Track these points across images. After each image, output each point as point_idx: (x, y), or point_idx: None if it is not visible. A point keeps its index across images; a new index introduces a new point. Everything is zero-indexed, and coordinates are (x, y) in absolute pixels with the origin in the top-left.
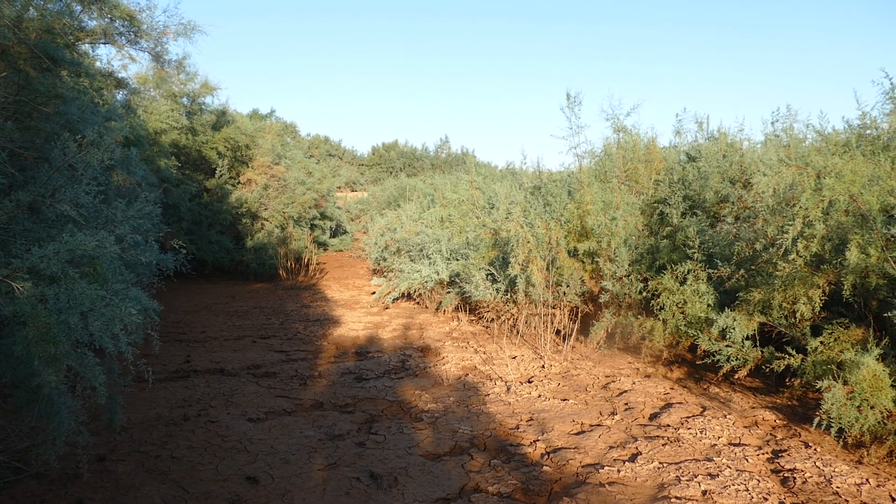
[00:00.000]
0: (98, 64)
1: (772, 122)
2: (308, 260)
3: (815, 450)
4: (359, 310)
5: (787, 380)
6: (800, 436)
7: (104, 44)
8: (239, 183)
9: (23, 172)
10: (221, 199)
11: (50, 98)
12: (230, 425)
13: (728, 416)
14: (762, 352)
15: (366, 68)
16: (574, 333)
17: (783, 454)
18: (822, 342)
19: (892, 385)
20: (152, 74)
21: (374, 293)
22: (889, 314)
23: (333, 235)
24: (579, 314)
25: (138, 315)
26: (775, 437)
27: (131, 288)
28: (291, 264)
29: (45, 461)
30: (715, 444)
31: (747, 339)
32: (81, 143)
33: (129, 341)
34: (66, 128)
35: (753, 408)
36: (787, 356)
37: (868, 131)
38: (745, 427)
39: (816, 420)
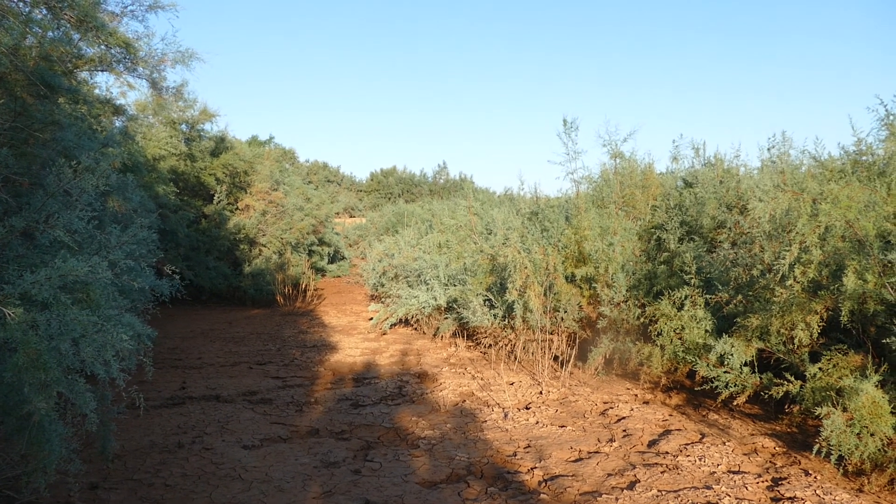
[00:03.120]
0: (97, 91)
1: (768, 149)
2: (306, 286)
3: (815, 477)
4: (356, 336)
5: (786, 406)
6: (800, 463)
7: (102, 71)
8: (237, 209)
9: (17, 198)
10: (219, 224)
11: (46, 124)
12: (225, 452)
13: (727, 443)
14: (761, 378)
15: (364, 95)
16: (572, 359)
17: (783, 482)
18: (820, 368)
19: (891, 412)
20: (151, 101)
21: (371, 319)
22: (887, 340)
23: (331, 261)
24: (577, 340)
25: (131, 341)
26: (775, 464)
27: (125, 314)
28: (289, 290)
29: (35, 489)
30: (714, 472)
31: (745, 365)
32: (77, 168)
33: (122, 367)
34: (62, 154)
35: (753, 435)
36: (785, 382)
37: (864, 157)
38: (745, 454)
39: (816, 447)
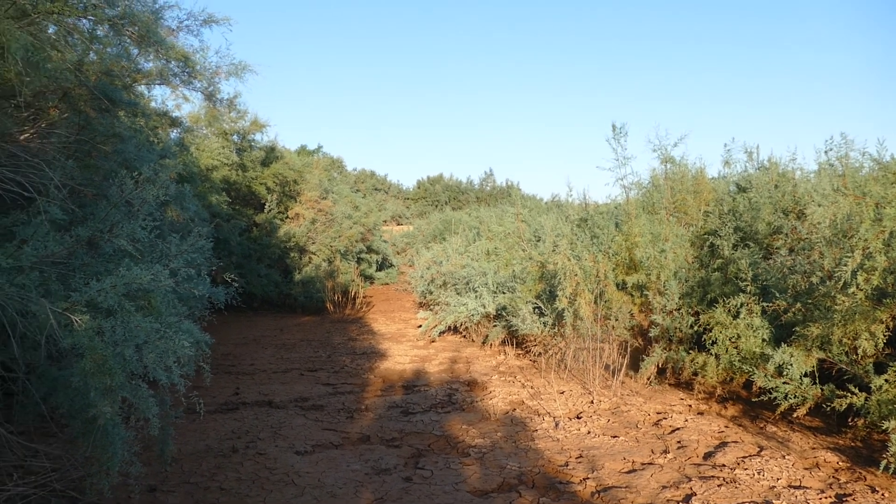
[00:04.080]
0: (153, 104)
1: (825, 151)
2: (355, 293)
3: (882, 495)
4: (405, 343)
5: (849, 419)
6: (865, 479)
7: (159, 84)
8: (287, 217)
9: (82, 209)
10: (270, 233)
11: (108, 137)
12: (278, 458)
13: (787, 457)
14: (822, 389)
15: (411, 103)
16: (623, 368)
17: (847, 498)
18: (886, 380)
19: None
20: (204, 113)
21: (420, 326)
22: None
23: (380, 269)
24: (628, 348)
25: (191, 347)
26: (838, 479)
27: (184, 321)
28: (338, 297)
29: (98, 491)
30: (774, 486)
31: (806, 375)
32: (138, 180)
33: (182, 373)
34: (123, 165)
35: (814, 448)
36: (849, 394)
37: None
38: (806, 469)
39: (883, 463)
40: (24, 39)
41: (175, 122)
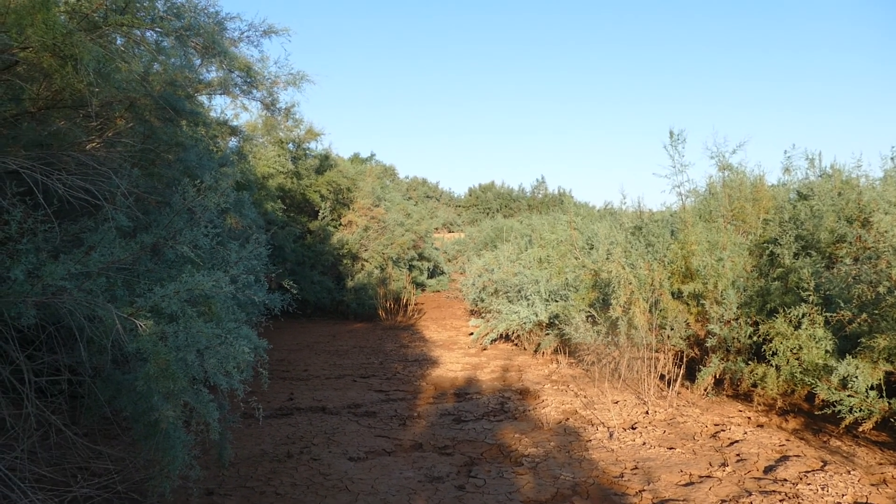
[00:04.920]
0: (213, 113)
1: (892, 158)
2: (406, 300)
3: None
4: (457, 350)
5: None
6: None
7: (220, 94)
8: (340, 224)
9: (147, 216)
10: (324, 240)
11: (171, 146)
12: (332, 464)
13: (852, 472)
14: (889, 403)
15: (463, 110)
16: (679, 379)
17: None
18: None
19: None
20: (262, 122)
21: (471, 334)
22: None
23: (431, 276)
24: (684, 358)
25: (249, 353)
26: None
27: (243, 326)
28: (390, 304)
29: (159, 493)
30: (839, 503)
31: (872, 388)
32: (199, 188)
33: (241, 378)
34: (185, 174)
35: (881, 464)
36: None
37: None
38: (873, 485)
39: None
40: (96, 51)
41: (234, 131)
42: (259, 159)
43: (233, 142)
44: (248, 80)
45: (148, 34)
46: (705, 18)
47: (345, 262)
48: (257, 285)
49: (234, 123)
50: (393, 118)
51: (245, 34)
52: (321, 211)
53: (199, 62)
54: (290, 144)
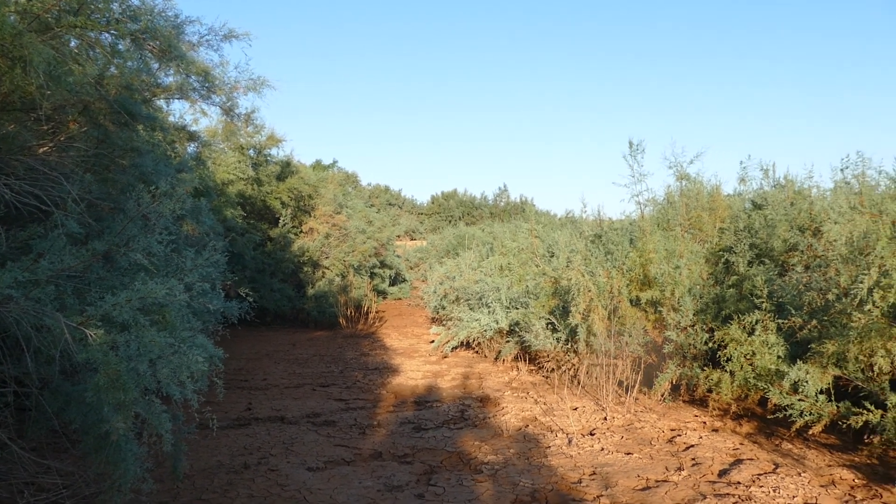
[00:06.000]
0: (171, 118)
1: (841, 169)
2: (368, 308)
3: None
4: (418, 358)
5: (865, 437)
6: (881, 497)
7: (178, 99)
8: (301, 232)
9: (99, 222)
10: (284, 247)
11: (126, 151)
12: (290, 474)
13: (803, 474)
14: (838, 407)
15: (426, 118)
16: (637, 385)
17: None
18: None
19: None
20: (221, 128)
21: (432, 342)
22: None
23: (393, 284)
24: (642, 365)
25: (204, 362)
26: (855, 497)
27: (198, 335)
28: (351, 312)
29: None
30: None
31: (821, 392)
32: (155, 194)
33: (195, 388)
34: (140, 179)
35: (830, 466)
36: (865, 412)
37: None
38: (822, 486)
39: None
40: (47, 53)
41: (192, 137)
42: (219, 165)
43: (192, 147)
44: (207, 84)
45: (103, 36)
46: (666, 29)
47: (305, 269)
48: (213, 293)
49: (193, 129)
50: (356, 125)
51: (205, 38)
52: (282, 218)
53: (156, 66)
54: (251, 150)
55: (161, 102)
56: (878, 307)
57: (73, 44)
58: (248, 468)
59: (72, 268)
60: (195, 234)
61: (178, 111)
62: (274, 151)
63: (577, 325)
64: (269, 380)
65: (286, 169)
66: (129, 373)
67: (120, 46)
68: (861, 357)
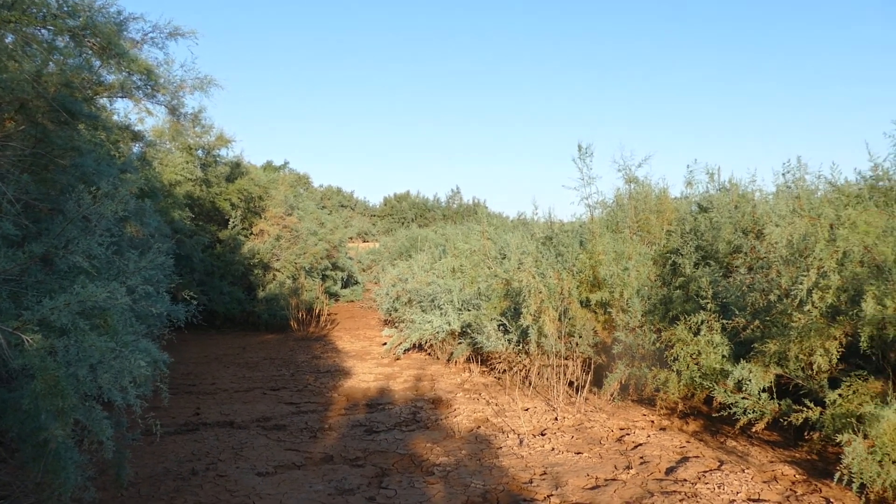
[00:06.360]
0: (115, 117)
1: (783, 174)
2: (319, 311)
3: None
4: (370, 361)
5: (805, 433)
6: (820, 491)
7: (122, 97)
8: (252, 234)
9: (37, 224)
10: (234, 249)
11: (66, 150)
12: (239, 479)
13: (746, 471)
14: (779, 404)
15: (379, 120)
16: (587, 385)
17: None
18: (840, 395)
19: None
20: (168, 127)
21: (385, 344)
22: None
23: (345, 286)
24: (592, 365)
25: (148, 367)
26: (795, 492)
27: (142, 339)
28: (303, 315)
29: None
30: (734, 500)
31: (764, 391)
32: (96, 194)
33: (138, 394)
34: (81, 180)
35: (772, 462)
36: (805, 409)
37: (881, 183)
38: (764, 482)
39: (837, 475)
40: None
41: (137, 136)
42: (166, 166)
43: (137, 147)
44: (150, 83)
45: (41, 32)
46: (615, 35)
47: (256, 272)
48: (158, 296)
49: (139, 128)
50: (308, 126)
51: (149, 35)
52: (231, 220)
53: (98, 63)
54: (200, 151)
55: (104, 101)
56: (816, 307)
57: (8, 39)
58: (196, 474)
59: (7, 271)
60: (140, 236)
61: (123, 110)
62: (223, 152)
63: (528, 327)
64: (218, 384)
65: (236, 170)
66: (68, 378)
67: (58, 43)
68: (801, 356)
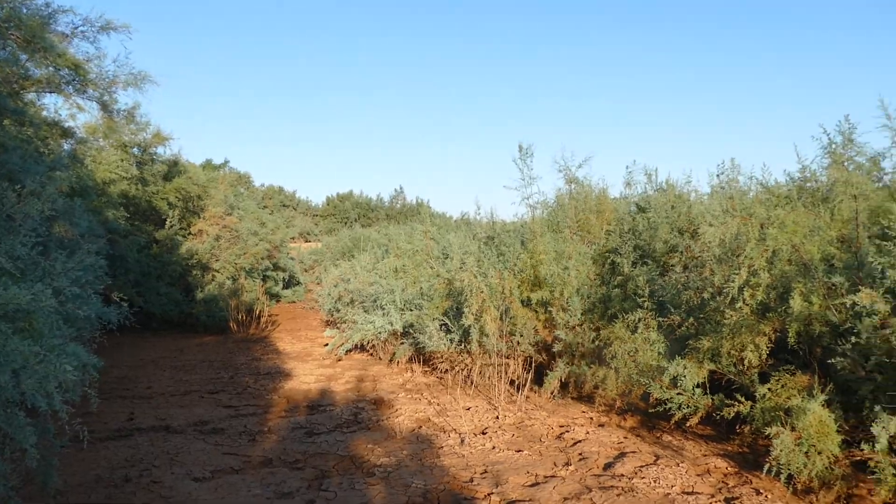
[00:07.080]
0: (45, 113)
1: (717, 175)
2: (260, 312)
3: (766, 496)
4: (311, 362)
5: (737, 427)
6: (751, 483)
7: (50, 93)
8: (190, 234)
9: None
10: (171, 250)
11: None
12: (174, 486)
13: (681, 465)
14: (713, 399)
15: (321, 119)
16: (528, 383)
17: (735, 501)
18: (769, 389)
19: (837, 431)
20: (101, 124)
21: (327, 345)
22: (832, 360)
23: (286, 286)
24: (533, 364)
25: (75, 371)
26: (727, 484)
27: (69, 343)
28: (243, 316)
29: None
30: (669, 493)
31: (698, 386)
32: (21, 193)
33: (65, 399)
34: (6, 177)
35: (706, 455)
36: (736, 403)
37: (808, 184)
38: (698, 475)
39: (766, 466)
40: None
41: (68, 133)
42: (99, 164)
43: (67, 144)
44: (79, 78)
45: None
46: (559, 37)
47: (194, 272)
48: (88, 298)
49: (69, 124)
50: (249, 125)
51: (79, 29)
52: (169, 219)
53: (25, 57)
54: (135, 149)
55: (32, 96)
56: (747, 305)
57: None
58: (129, 481)
59: None
60: (69, 236)
61: (53, 106)
62: (160, 150)
63: (469, 326)
64: (153, 388)
65: (174, 168)
66: None
67: None
68: (733, 352)
